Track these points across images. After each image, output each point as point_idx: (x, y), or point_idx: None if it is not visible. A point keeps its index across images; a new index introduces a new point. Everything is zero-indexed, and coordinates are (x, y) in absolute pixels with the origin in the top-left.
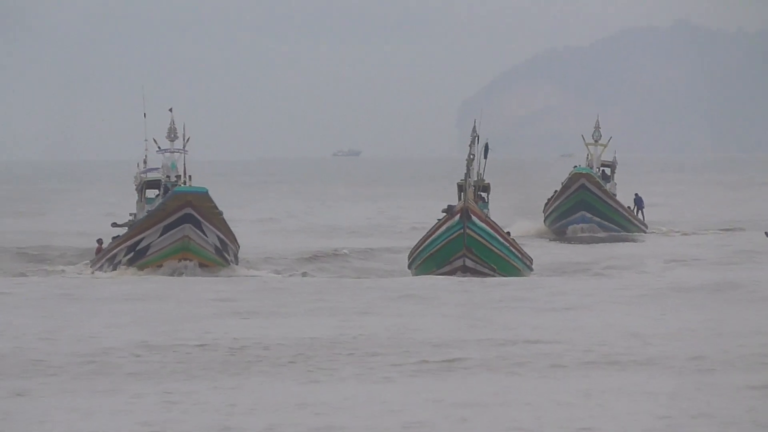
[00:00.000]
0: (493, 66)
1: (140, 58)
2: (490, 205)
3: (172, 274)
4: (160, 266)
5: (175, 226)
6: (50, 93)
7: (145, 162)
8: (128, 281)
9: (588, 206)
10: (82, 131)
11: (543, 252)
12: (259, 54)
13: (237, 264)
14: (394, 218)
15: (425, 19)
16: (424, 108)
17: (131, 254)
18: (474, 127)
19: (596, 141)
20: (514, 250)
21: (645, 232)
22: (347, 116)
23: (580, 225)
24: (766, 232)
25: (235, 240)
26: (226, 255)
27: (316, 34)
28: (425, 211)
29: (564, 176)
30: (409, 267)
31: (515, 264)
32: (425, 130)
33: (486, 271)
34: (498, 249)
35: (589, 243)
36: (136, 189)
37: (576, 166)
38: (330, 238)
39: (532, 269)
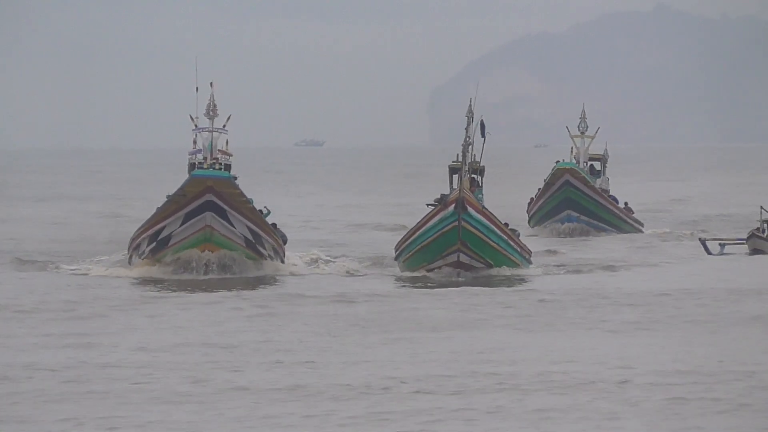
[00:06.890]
0: (465, 53)
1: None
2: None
3: (188, 268)
4: (178, 259)
5: (197, 215)
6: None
7: (194, 142)
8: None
9: (574, 204)
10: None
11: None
12: (214, 35)
13: (282, 260)
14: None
15: (393, 3)
16: (392, 96)
17: (153, 244)
18: (470, 107)
19: (582, 133)
20: (512, 243)
21: (642, 232)
22: (309, 104)
23: (566, 225)
24: (699, 238)
25: (274, 233)
26: (261, 249)
27: (275, 16)
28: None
29: (534, 167)
30: (396, 259)
31: (514, 258)
32: (393, 119)
33: (481, 266)
34: (495, 243)
35: (578, 239)
36: (188, 171)
37: (558, 161)
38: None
39: (531, 263)
